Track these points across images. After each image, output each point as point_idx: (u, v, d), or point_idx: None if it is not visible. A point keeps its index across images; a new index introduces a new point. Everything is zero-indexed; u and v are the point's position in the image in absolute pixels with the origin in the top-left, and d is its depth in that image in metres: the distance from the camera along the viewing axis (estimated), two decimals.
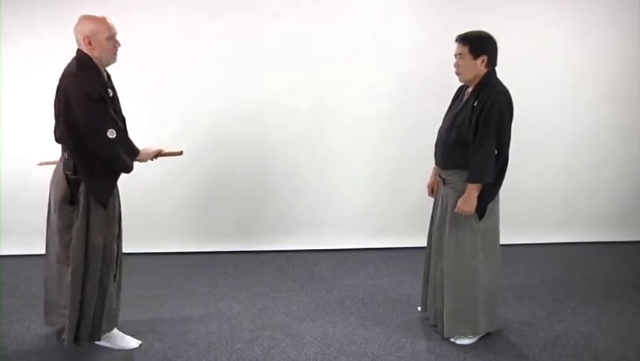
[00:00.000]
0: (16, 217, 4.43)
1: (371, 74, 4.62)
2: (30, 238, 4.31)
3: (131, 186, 4.50)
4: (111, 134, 2.67)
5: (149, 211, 4.62)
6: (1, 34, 4.34)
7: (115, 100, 2.84)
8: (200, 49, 4.48)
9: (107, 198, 2.81)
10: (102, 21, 2.74)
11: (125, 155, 2.77)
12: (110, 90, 2.78)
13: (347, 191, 4.77)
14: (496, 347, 3.06)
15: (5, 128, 4.44)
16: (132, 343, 3.03)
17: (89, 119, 2.65)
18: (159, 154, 2.99)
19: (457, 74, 2.98)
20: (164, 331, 3.21)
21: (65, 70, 2.75)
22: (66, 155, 2.77)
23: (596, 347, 3.07)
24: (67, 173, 2.77)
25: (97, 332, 2.91)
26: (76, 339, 2.85)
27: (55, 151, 2.94)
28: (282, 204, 4.73)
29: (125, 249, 4.45)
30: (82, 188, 2.75)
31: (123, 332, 3.08)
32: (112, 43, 2.76)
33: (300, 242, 4.72)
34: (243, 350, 3.01)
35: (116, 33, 2.78)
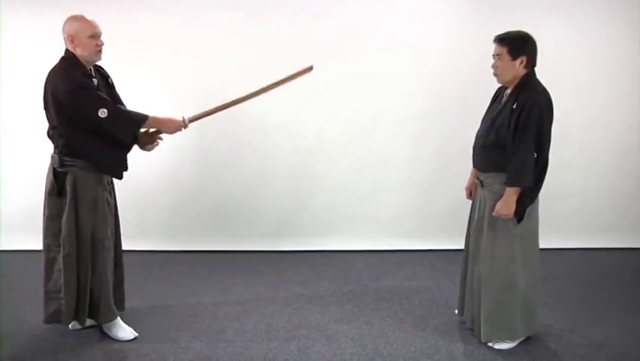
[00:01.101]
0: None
1: (408, 74, 4.58)
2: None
3: (171, 187, 4.66)
4: (102, 113, 2.79)
5: (189, 211, 4.71)
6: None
7: (109, 87, 3.05)
8: (238, 50, 4.54)
9: (119, 170, 2.98)
10: (85, 21, 2.88)
11: (121, 130, 2.88)
12: (95, 80, 2.92)
13: (384, 192, 4.75)
14: (536, 352, 2.99)
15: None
16: (129, 335, 3.10)
17: (80, 105, 2.78)
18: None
19: (495, 75, 2.92)
20: (201, 328, 3.26)
21: (51, 69, 2.89)
22: (57, 150, 2.91)
23: None
24: (55, 166, 2.91)
25: (97, 314, 3.02)
26: (76, 318, 3.00)
27: None
28: (319, 204, 4.75)
29: (166, 247, 4.61)
30: (68, 180, 2.88)
31: (161, 328, 3.17)
32: (94, 41, 2.88)
33: (336, 242, 4.72)
34: (279, 349, 3.04)
35: (99, 32, 2.90)
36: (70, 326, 3.16)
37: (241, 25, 4.51)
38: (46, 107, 2.90)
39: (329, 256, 4.58)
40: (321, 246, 4.70)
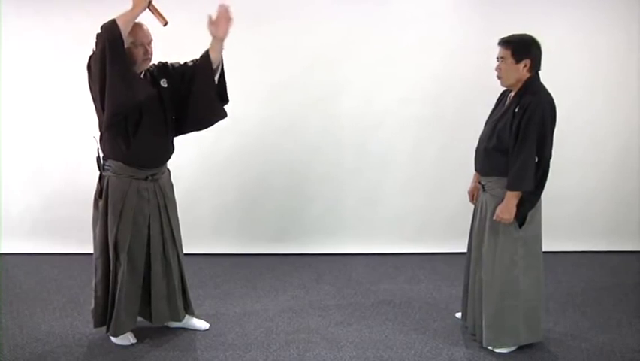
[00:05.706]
0: (60, 216, 4.60)
1: (409, 77, 4.57)
2: (71, 237, 4.48)
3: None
4: None
5: (189, 213, 4.66)
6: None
7: None
8: (240, 55, 4.52)
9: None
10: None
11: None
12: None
13: (385, 195, 4.74)
14: (537, 357, 2.98)
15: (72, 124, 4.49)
16: (124, 341, 3.08)
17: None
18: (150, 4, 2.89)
19: (498, 77, 2.91)
20: (201, 332, 3.26)
21: None
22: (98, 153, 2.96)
23: None
24: (100, 169, 2.96)
25: (108, 323, 3.00)
26: (103, 323, 3.03)
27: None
28: (320, 207, 4.74)
29: None
30: (104, 184, 2.90)
31: (161, 331, 3.18)
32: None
33: (337, 246, 4.71)
34: (279, 352, 3.03)
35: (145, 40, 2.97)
36: (129, 342, 3.09)
37: (242, 31, 4.47)
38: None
39: (329, 260, 4.56)
40: (322, 249, 4.68)
